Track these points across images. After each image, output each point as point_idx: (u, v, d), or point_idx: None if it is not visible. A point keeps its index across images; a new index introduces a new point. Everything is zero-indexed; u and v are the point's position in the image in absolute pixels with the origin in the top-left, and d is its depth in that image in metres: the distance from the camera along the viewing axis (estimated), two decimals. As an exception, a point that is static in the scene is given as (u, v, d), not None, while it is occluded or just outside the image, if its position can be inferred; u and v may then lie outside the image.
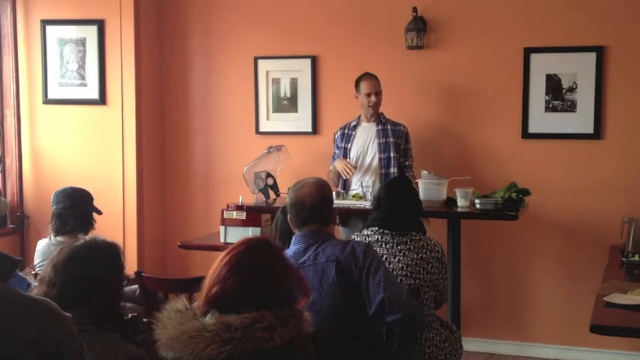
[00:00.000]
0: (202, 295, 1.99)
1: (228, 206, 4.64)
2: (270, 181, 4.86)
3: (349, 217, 4.56)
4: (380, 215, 3.32)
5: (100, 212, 3.96)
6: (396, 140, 4.67)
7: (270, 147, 5.01)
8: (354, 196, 4.55)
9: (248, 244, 2.05)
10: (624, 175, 4.69)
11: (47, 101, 5.47)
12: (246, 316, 1.89)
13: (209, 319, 1.92)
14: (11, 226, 5.47)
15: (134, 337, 2.32)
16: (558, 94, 4.78)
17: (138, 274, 3.32)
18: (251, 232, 4.48)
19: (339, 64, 5.17)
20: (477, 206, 4.23)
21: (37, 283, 2.32)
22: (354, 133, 4.78)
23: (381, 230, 3.27)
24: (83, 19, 5.36)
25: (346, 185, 4.76)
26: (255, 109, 5.39)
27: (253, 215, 4.54)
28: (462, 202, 4.29)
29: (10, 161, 5.47)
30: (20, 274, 3.57)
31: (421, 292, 3.17)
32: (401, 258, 3.19)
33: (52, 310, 1.69)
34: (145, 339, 2.42)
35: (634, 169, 4.67)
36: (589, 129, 4.73)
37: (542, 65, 4.78)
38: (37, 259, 3.85)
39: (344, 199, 4.53)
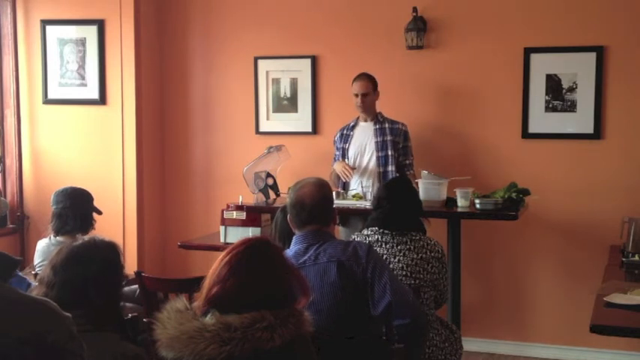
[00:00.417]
0: (202, 295, 1.99)
1: (228, 206, 4.64)
2: (270, 181, 4.86)
3: (349, 217, 4.56)
4: (380, 215, 3.32)
5: (100, 212, 3.96)
6: (393, 138, 4.68)
7: (270, 147, 5.01)
8: (354, 196, 4.55)
9: (248, 244, 2.05)
10: (624, 175, 4.69)
11: (47, 101, 5.47)
12: (246, 316, 1.89)
13: (209, 319, 1.92)
14: (11, 226, 5.47)
15: (134, 337, 2.32)
16: (558, 94, 4.78)
17: (138, 274, 3.32)
18: (251, 232, 4.48)
19: (339, 64, 5.17)
20: (477, 206, 4.23)
21: (37, 283, 2.32)
22: (352, 133, 4.79)
23: (381, 230, 3.27)
24: (83, 19, 5.36)
25: (345, 185, 4.76)
26: (255, 109, 5.39)
27: (253, 215, 4.54)
28: (462, 202, 4.29)
29: (10, 161, 5.47)
30: (20, 274, 3.57)
31: (421, 292, 3.17)
32: (401, 258, 3.19)
33: (52, 310, 1.70)
34: (145, 339, 2.42)
35: (634, 169, 4.67)
36: (589, 129, 4.73)
37: (542, 65, 4.77)
38: (37, 259, 3.85)
39: (344, 199, 4.54)
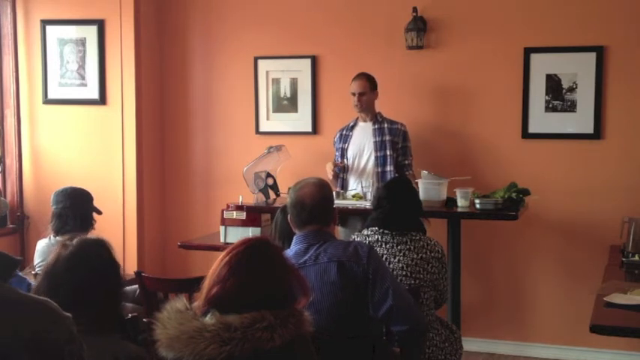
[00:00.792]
0: (202, 295, 1.99)
1: (228, 206, 4.64)
2: (270, 181, 4.86)
3: (348, 217, 4.56)
4: (380, 215, 3.31)
5: (100, 212, 3.96)
6: (392, 138, 4.67)
7: (270, 147, 5.01)
8: (353, 196, 4.55)
9: (248, 245, 2.05)
10: (624, 175, 4.69)
11: (47, 101, 5.47)
12: (246, 316, 1.89)
13: (209, 319, 1.92)
14: (11, 226, 5.47)
15: (134, 336, 2.32)
16: (558, 94, 4.78)
17: (138, 274, 3.32)
18: (251, 232, 4.48)
19: (339, 64, 5.17)
20: (477, 206, 4.23)
21: (36, 284, 2.31)
22: (351, 133, 4.80)
23: (381, 230, 3.27)
24: (83, 19, 5.36)
25: (344, 185, 4.76)
26: (255, 109, 5.39)
27: (253, 215, 4.54)
28: (462, 202, 4.29)
29: (10, 161, 5.47)
30: (20, 274, 3.57)
31: (421, 292, 3.17)
32: (401, 258, 3.19)
33: (52, 310, 1.69)
34: (145, 339, 2.41)
35: (634, 169, 4.67)
36: (589, 129, 4.73)
37: (542, 65, 4.77)
38: (37, 259, 3.85)
39: (344, 199, 4.54)
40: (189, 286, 3.07)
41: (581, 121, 4.74)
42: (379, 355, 2.79)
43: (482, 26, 4.90)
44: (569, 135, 4.78)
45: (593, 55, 4.68)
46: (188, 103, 5.57)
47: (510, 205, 4.26)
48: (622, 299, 3.02)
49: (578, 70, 4.73)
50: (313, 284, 2.63)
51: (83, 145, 5.44)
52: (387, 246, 3.22)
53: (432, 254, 3.23)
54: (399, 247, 3.21)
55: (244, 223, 4.53)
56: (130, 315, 2.47)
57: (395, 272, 3.14)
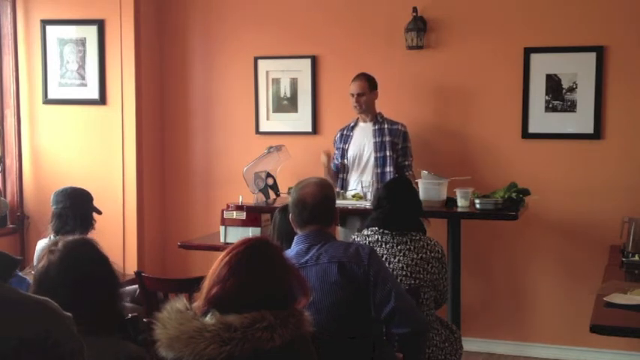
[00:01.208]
0: (202, 296, 1.99)
1: (228, 206, 4.64)
2: (270, 181, 4.86)
3: (347, 216, 4.56)
4: (380, 215, 3.32)
5: (99, 212, 3.96)
6: (392, 139, 4.67)
7: (270, 147, 5.01)
8: (353, 196, 4.55)
9: (248, 245, 2.05)
10: (624, 175, 4.69)
11: (47, 101, 5.47)
12: (246, 316, 1.89)
13: (209, 319, 1.92)
14: (11, 226, 5.47)
15: (135, 336, 2.31)
16: (558, 94, 4.78)
17: (138, 274, 3.32)
18: (251, 232, 4.48)
19: (338, 64, 5.17)
20: (477, 206, 4.23)
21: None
22: (351, 134, 4.80)
23: (381, 230, 3.27)
24: (83, 19, 5.36)
25: (344, 185, 4.77)
26: (255, 109, 5.39)
27: (253, 215, 4.54)
28: (462, 202, 4.28)
29: (10, 161, 5.47)
30: (20, 274, 3.57)
31: (421, 292, 3.17)
32: (401, 258, 3.19)
33: (52, 310, 1.69)
34: (145, 339, 2.41)
35: (634, 169, 4.67)
36: (589, 129, 4.73)
37: (542, 65, 4.78)
38: (36, 259, 3.84)
39: (344, 198, 4.53)
40: (189, 286, 3.07)
41: (581, 121, 4.74)
42: (379, 355, 2.79)
43: (482, 26, 4.90)
44: (569, 135, 4.78)
45: (593, 55, 4.68)
46: (188, 103, 5.57)
47: (510, 205, 4.26)
48: (622, 299, 3.02)
49: (578, 70, 4.73)
50: (314, 284, 2.63)
51: (83, 145, 5.44)
52: (387, 246, 3.22)
53: (432, 254, 3.23)
54: (399, 247, 3.21)
55: (244, 223, 4.53)
56: (130, 315, 2.47)
57: (395, 272, 3.14)
